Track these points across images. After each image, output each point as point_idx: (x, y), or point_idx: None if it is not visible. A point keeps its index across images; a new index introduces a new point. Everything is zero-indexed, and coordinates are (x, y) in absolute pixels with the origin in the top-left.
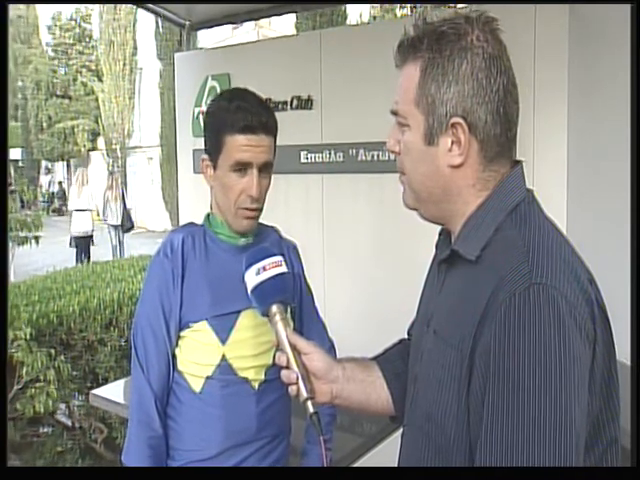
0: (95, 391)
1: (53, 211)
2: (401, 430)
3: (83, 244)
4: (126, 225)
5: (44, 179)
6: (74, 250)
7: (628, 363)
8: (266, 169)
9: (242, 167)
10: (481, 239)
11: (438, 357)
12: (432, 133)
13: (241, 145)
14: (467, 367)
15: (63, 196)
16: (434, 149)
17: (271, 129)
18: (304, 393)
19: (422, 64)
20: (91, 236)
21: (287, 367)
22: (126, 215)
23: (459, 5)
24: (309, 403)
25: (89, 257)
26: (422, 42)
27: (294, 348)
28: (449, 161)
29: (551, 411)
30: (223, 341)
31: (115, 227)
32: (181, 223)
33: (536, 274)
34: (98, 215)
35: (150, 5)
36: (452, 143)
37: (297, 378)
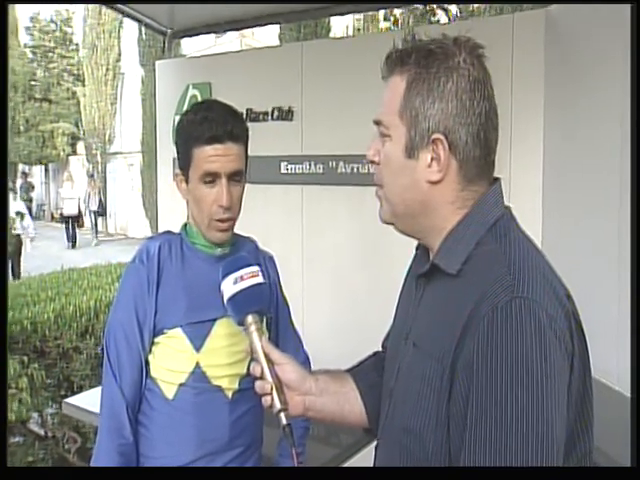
0: (69, 400)
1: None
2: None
3: (71, 221)
4: (100, 211)
5: (20, 183)
6: (63, 226)
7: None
8: (236, 177)
9: (211, 178)
10: (462, 253)
11: (417, 369)
12: (413, 146)
13: (208, 156)
14: (448, 379)
15: (31, 191)
16: (414, 163)
17: (238, 137)
18: (277, 404)
19: (409, 77)
20: (78, 216)
21: (261, 378)
22: (101, 204)
23: (442, 21)
24: (282, 415)
25: (75, 232)
26: (410, 56)
27: (268, 358)
28: (428, 177)
29: (533, 423)
30: (197, 349)
31: (93, 212)
32: (160, 231)
33: (517, 288)
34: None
35: (132, 12)
36: (432, 159)
37: (271, 389)
